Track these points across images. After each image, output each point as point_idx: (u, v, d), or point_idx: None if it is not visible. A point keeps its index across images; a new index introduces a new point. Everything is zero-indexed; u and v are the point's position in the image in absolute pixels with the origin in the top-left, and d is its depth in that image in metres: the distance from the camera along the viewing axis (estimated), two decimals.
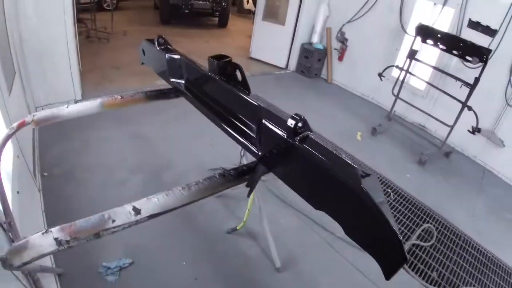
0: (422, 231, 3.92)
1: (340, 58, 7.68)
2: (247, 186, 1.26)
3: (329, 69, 7.90)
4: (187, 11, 10.75)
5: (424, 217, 4.21)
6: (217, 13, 11.44)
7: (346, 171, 0.93)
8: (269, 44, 8.27)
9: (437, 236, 3.90)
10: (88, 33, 8.67)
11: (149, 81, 6.24)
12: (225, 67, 1.42)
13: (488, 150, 5.65)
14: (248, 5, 14.68)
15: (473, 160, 5.85)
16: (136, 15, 12.17)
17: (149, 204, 1.03)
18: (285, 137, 1.06)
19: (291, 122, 1.02)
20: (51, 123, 1.90)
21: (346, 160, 0.94)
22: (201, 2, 10.83)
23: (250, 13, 14.42)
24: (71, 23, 4.98)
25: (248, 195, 1.31)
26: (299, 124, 1.02)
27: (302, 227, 3.61)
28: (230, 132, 1.39)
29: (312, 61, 7.90)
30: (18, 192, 2.19)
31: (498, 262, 3.87)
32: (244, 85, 1.38)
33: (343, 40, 7.46)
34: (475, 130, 5.00)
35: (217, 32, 11.42)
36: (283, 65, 8.35)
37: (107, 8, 11.42)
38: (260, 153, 1.24)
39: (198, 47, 8.97)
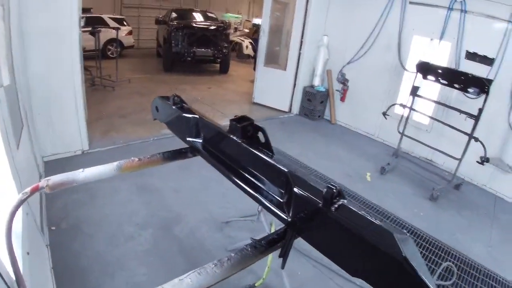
0: (443, 270, 3.81)
1: (342, 99, 7.80)
2: (280, 256, 1.22)
3: (332, 110, 8.00)
4: (189, 58, 11.02)
5: (443, 255, 4.11)
6: (219, 59, 11.69)
7: (384, 239, 0.91)
8: (271, 89, 8.43)
9: (457, 273, 3.80)
10: (93, 81, 8.89)
11: (156, 130, 6.30)
12: (247, 129, 1.42)
13: (497, 177, 5.67)
14: (247, 50, 15.06)
15: (483, 189, 5.85)
16: (139, 63, 12.48)
17: (182, 286, 0.99)
18: (320, 206, 1.04)
19: (327, 192, 1.01)
20: (66, 188, 1.86)
21: (384, 227, 0.92)
22: (203, 49, 11.11)
23: (249, 58, 14.76)
24: (79, 72, 5.06)
25: (283, 267, 1.25)
26: (335, 194, 1.00)
27: (319, 275, 3.51)
28: (256, 196, 1.36)
29: (314, 104, 8.01)
30: (28, 253, 2.13)
31: None
32: (267, 148, 1.37)
33: (344, 81, 7.60)
34: (484, 160, 4.98)
35: (219, 78, 11.65)
36: (286, 108, 8.46)
37: (111, 56, 11.72)
38: (289, 219, 1.21)
39: (202, 94, 9.14)
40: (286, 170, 1.20)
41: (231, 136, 1.47)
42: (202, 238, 3.86)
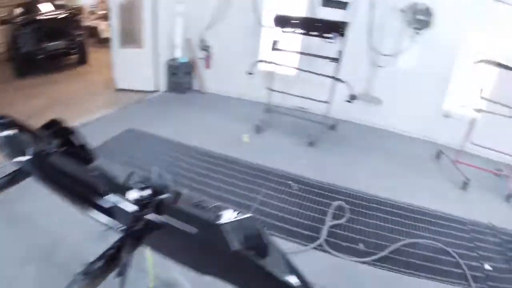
0: (335, 209, 3.99)
1: (207, 66, 7.65)
2: (118, 275, 1.02)
3: (200, 79, 7.82)
4: (41, 56, 9.88)
5: (332, 195, 4.30)
6: (74, 50, 10.69)
7: (212, 233, 0.80)
8: (132, 71, 7.83)
9: (350, 209, 4.00)
10: None
11: None
12: (58, 135, 1.20)
13: (370, 110, 6.21)
14: (107, 34, 14.05)
15: (359, 124, 6.31)
16: None
17: None
18: (135, 211, 0.89)
19: (135, 195, 0.86)
20: None
21: (209, 220, 0.81)
22: (54, 43, 10.03)
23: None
24: None
25: (121, 286, 1.03)
26: (147, 193, 0.86)
27: None
28: (84, 212, 1.17)
29: (180, 76, 7.70)
30: None
31: (413, 208, 4.14)
32: (83, 150, 1.17)
33: (206, 48, 7.41)
34: (351, 98, 5.31)
35: (79, 70, 10.63)
36: (152, 88, 7.93)
37: None
38: (123, 228, 1.04)
39: (61, 93, 8.28)
40: (96, 174, 1.03)
41: (44, 145, 1.24)
42: (88, 255, 3.48)
